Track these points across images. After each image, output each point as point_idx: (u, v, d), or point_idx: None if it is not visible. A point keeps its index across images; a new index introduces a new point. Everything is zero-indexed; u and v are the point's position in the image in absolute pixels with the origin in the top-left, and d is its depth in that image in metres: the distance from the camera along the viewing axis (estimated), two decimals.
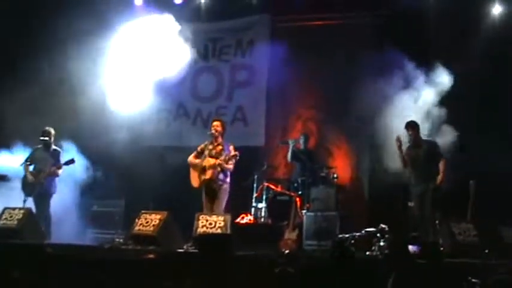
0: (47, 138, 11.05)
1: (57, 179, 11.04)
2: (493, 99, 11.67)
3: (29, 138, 11.84)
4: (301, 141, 12.60)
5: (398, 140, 9.88)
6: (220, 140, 10.15)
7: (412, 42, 12.06)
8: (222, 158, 9.82)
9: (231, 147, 10.06)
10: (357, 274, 6.44)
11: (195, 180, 10.08)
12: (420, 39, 12.10)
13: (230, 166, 9.92)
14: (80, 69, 12.63)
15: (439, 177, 9.61)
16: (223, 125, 10.30)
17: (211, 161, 9.91)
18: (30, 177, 10.91)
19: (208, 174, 9.89)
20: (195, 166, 10.08)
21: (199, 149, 10.23)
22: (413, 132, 9.87)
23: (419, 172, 9.78)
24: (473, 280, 5.90)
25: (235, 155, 9.79)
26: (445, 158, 9.79)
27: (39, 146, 11.14)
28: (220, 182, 9.92)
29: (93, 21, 12.62)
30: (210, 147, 10.11)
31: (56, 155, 11.08)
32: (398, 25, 12.44)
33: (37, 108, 12.30)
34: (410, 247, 8.00)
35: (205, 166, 9.94)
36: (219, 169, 9.85)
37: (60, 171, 10.99)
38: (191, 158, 10.21)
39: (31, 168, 11.04)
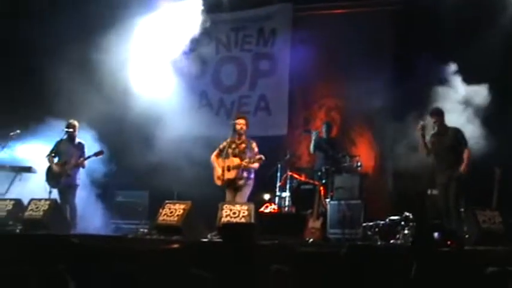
0: (71, 130, 11.15)
1: (81, 170, 11.15)
2: None
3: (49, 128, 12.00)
4: (324, 129, 12.56)
5: (422, 127, 9.78)
6: (243, 137, 10.19)
7: (431, 29, 11.96)
8: (247, 160, 9.85)
9: (254, 145, 10.12)
10: (379, 263, 6.44)
11: (218, 178, 10.11)
12: (439, 27, 11.96)
13: (256, 166, 9.98)
14: (103, 60, 12.68)
15: (463, 166, 9.47)
16: (247, 123, 10.34)
17: (235, 160, 9.96)
18: (56, 168, 11.01)
19: (232, 174, 9.95)
20: (218, 165, 10.12)
21: (221, 146, 10.24)
22: (438, 119, 9.74)
23: (443, 160, 9.67)
24: None
25: (260, 159, 9.83)
26: (469, 147, 9.68)
27: (64, 138, 11.23)
28: (245, 179, 9.98)
29: (116, 11, 12.66)
30: (233, 145, 10.14)
31: (80, 147, 11.19)
32: (417, 13, 12.32)
33: (60, 99, 12.41)
34: (435, 235, 7.95)
35: (229, 165, 9.98)
36: (242, 168, 9.90)
37: (86, 163, 11.11)
38: (214, 157, 10.25)
39: (55, 160, 11.15)
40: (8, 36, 13.60)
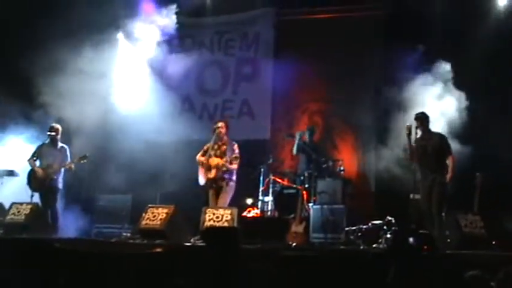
0: (54, 134, 11.08)
1: (62, 174, 11.08)
2: (498, 92, 11.62)
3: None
4: (307, 134, 12.59)
5: (408, 129, 9.76)
6: (225, 139, 10.22)
7: (415, 34, 12.01)
8: (224, 159, 9.90)
9: (235, 147, 10.15)
10: (358, 267, 6.48)
11: (201, 178, 10.14)
12: (423, 32, 12.02)
13: (234, 166, 10.04)
14: (84, 64, 12.64)
15: (449, 175, 9.47)
16: (227, 126, 10.38)
17: (216, 160, 10.00)
18: (39, 172, 10.93)
19: (213, 173, 9.97)
20: (201, 165, 10.14)
21: (205, 147, 10.27)
22: (422, 124, 9.74)
23: (426, 165, 9.65)
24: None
25: (237, 157, 9.92)
26: (453, 155, 9.68)
27: (46, 141, 11.17)
28: (227, 180, 9.99)
29: (98, 16, 12.65)
30: (215, 147, 10.17)
31: (63, 151, 11.11)
32: (401, 17, 12.38)
33: (43, 102, 12.33)
34: (411, 239, 7.97)
35: (210, 165, 9.99)
36: (224, 169, 9.92)
37: (73, 166, 11.05)
38: (198, 158, 10.27)
39: (37, 163, 11.08)
40: None
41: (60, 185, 11.07)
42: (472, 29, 11.74)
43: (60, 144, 11.17)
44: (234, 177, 10.10)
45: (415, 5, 11.99)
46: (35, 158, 11.10)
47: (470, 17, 11.71)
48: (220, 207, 9.50)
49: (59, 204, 11.14)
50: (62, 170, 11.03)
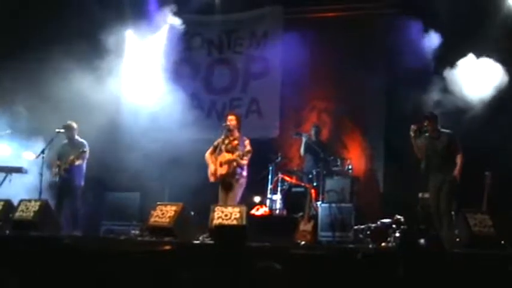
0: (69, 132, 11.16)
1: (79, 171, 11.08)
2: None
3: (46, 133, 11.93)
4: (313, 132, 12.61)
5: (414, 130, 9.74)
6: (236, 134, 10.17)
7: (425, 32, 11.96)
8: (237, 154, 9.86)
9: (246, 142, 10.09)
10: (366, 266, 6.47)
11: (212, 175, 10.10)
12: (434, 30, 11.97)
13: (245, 162, 9.98)
14: (94, 62, 12.69)
15: (455, 172, 9.48)
16: (238, 119, 10.32)
17: (227, 155, 9.95)
18: (54, 170, 11.01)
19: (224, 169, 9.93)
20: (211, 162, 10.10)
21: (215, 143, 10.23)
22: (431, 124, 9.70)
23: (436, 164, 9.64)
24: None
25: (249, 151, 9.85)
26: (462, 152, 9.65)
27: (65, 141, 11.24)
28: (237, 176, 9.96)
29: (109, 15, 12.69)
30: (226, 141, 10.13)
31: (80, 145, 11.14)
32: (410, 15, 12.32)
33: (52, 102, 12.36)
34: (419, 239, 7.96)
35: (221, 161, 9.97)
36: (235, 164, 9.89)
37: (86, 155, 11.08)
38: (208, 155, 10.22)
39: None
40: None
41: (78, 182, 11.09)
42: (482, 26, 11.65)
43: (77, 140, 11.20)
44: (245, 173, 10.06)
45: (424, 2, 11.93)
46: (58, 161, 11.13)
47: (481, 14, 11.61)
48: (229, 205, 9.49)
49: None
50: (79, 166, 11.05)
